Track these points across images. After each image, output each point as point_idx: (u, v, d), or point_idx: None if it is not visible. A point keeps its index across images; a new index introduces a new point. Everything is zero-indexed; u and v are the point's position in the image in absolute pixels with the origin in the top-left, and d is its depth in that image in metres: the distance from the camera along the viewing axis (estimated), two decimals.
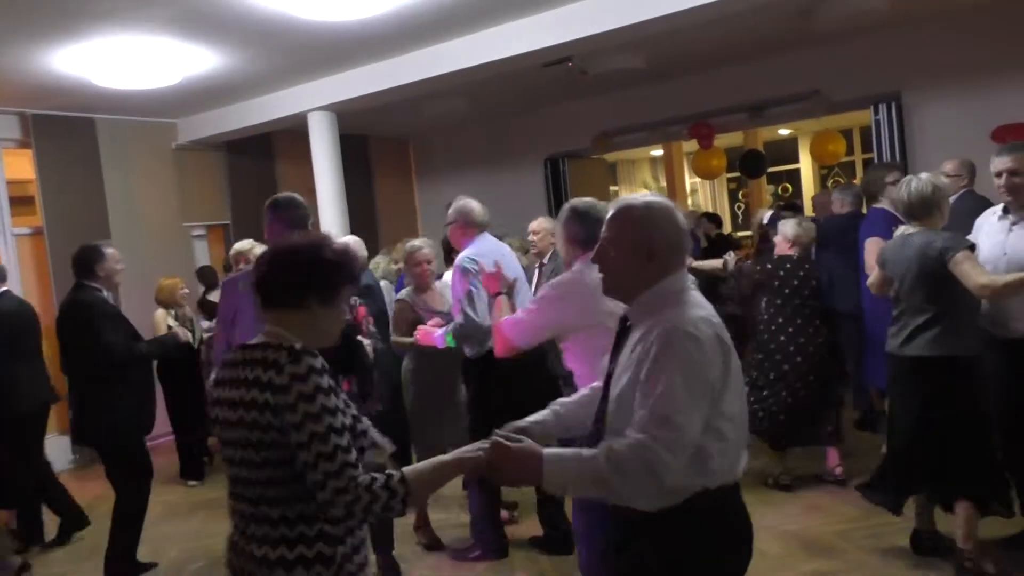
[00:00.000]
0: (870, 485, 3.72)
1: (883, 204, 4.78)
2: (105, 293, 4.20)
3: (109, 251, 4.20)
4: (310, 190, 7.36)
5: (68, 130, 7.13)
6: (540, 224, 5.09)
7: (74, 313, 4.09)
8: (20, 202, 7.43)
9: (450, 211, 3.98)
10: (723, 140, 9.20)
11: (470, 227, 3.92)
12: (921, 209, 3.41)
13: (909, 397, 3.45)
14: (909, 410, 3.44)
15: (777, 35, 6.90)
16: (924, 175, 3.49)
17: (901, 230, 3.59)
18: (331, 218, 7.24)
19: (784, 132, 13.07)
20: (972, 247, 3.27)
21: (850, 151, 12.11)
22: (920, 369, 3.36)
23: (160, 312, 6.07)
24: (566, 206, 2.98)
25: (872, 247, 4.61)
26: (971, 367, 3.33)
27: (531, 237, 5.11)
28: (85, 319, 4.02)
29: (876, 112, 7.33)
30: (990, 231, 3.55)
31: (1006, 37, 6.69)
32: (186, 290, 6.27)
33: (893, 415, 3.58)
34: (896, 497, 3.58)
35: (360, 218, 8.51)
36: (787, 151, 13.89)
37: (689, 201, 13.14)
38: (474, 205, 3.94)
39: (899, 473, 3.53)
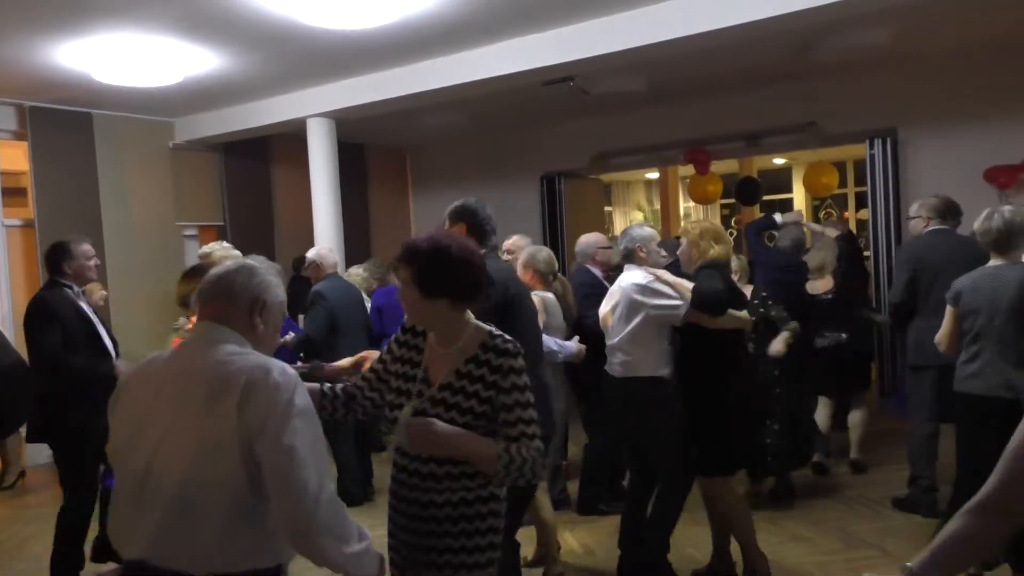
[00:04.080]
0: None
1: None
2: (75, 290, 4.05)
3: (80, 247, 4.05)
4: (305, 196, 7.37)
5: (65, 123, 7.10)
6: (515, 242, 4.96)
7: (28, 309, 4.01)
8: (12, 193, 7.39)
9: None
10: (718, 166, 9.27)
11: None
12: (1011, 241, 3.34)
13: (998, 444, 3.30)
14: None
15: (777, 66, 6.97)
16: (1010, 207, 3.44)
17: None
18: (325, 226, 7.22)
19: (779, 161, 13.17)
20: None
21: (843, 184, 12.23)
22: (1015, 412, 3.21)
23: None
24: None
25: None
26: None
27: (506, 256, 4.84)
28: (28, 316, 3.95)
29: (871, 146, 7.40)
30: None
31: (1003, 78, 6.78)
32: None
33: (971, 460, 3.40)
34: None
35: (354, 227, 8.51)
36: (781, 180, 13.98)
37: (682, 225, 13.18)
38: None
39: None
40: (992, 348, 3.30)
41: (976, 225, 3.49)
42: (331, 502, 1.72)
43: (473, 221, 3.17)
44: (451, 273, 2.04)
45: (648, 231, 3.84)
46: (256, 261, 2.00)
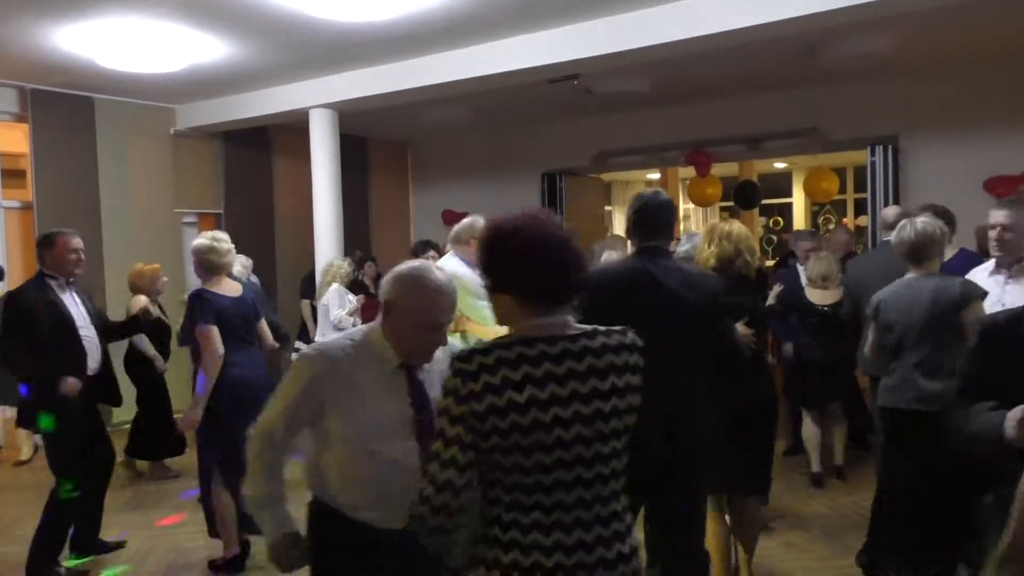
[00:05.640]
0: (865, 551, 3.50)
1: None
2: (58, 281, 3.96)
3: (63, 239, 3.95)
4: (305, 187, 7.36)
5: (66, 107, 7.07)
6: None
7: (4, 301, 4.07)
8: (12, 175, 7.38)
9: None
10: (718, 169, 9.28)
11: None
12: (924, 252, 3.30)
13: (915, 457, 3.19)
14: (915, 471, 3.20)
15: (780, 71, 6.97)
16: (924, 217, 3.43)
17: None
18: (325, 216, 7.22)
19: (780, 166, 13.19)
20: (985, 295, 3.17)
21: (843, 190, 12.24)
22: (930, 424, 3.01)
23: (142, 298, 5.58)
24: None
25: None
26: None
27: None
28: (4, 308, 3.99)
29: (872, 153, 7.41)
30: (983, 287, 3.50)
31: (1005, 89, 6.80)
32: (166, 278, 5.96)
33: (892, 475, 3.39)
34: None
35: (354, 218, 8.49)
36: (781, 185, 14.00)
37: (681, 227, 13.21)
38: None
39: (899, 538, 3.28)
40: (908, 360, 3.26)
41: (891, 236, 3.46)
42: (256, 436, 2.05)
43: (630, 219, 2.87)
44: (509, 263, 1.63)
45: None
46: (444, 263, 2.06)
